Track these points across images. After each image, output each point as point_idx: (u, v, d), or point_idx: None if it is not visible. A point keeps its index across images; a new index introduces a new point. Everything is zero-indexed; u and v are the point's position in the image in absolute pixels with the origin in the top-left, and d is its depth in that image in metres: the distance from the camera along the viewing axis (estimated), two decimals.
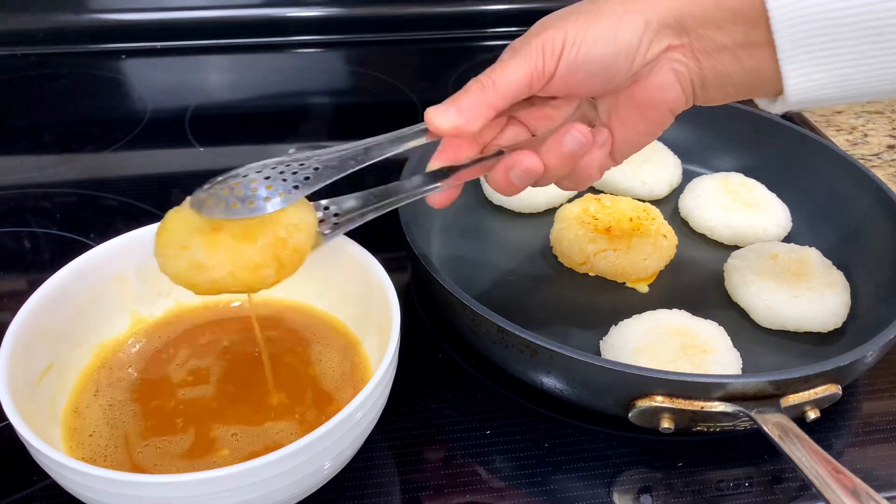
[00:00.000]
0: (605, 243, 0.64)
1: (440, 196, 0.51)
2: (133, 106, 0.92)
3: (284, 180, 0.43)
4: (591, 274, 0.65)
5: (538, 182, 0.50)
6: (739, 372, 0.55)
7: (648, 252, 0.64)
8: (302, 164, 0.44)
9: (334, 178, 0.44)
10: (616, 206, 0.68)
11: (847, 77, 0.43)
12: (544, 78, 0.45)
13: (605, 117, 0.50)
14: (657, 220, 0.67)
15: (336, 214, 0.48)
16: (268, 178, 0.43)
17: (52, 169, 0.80)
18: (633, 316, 0.58)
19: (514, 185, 0.50)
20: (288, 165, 0.44)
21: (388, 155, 0.46)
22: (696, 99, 0.48)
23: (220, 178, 0.43)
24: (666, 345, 0.55)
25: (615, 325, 0.58)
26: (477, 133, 0.46)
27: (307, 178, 0.43)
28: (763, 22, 0.42)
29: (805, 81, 0.43)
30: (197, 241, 0.42)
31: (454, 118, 0.44)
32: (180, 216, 0.44)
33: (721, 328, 0.57)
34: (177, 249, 0.43)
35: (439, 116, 0.44)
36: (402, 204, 0.50)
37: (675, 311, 0.58)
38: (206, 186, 0.43)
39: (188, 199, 0.44)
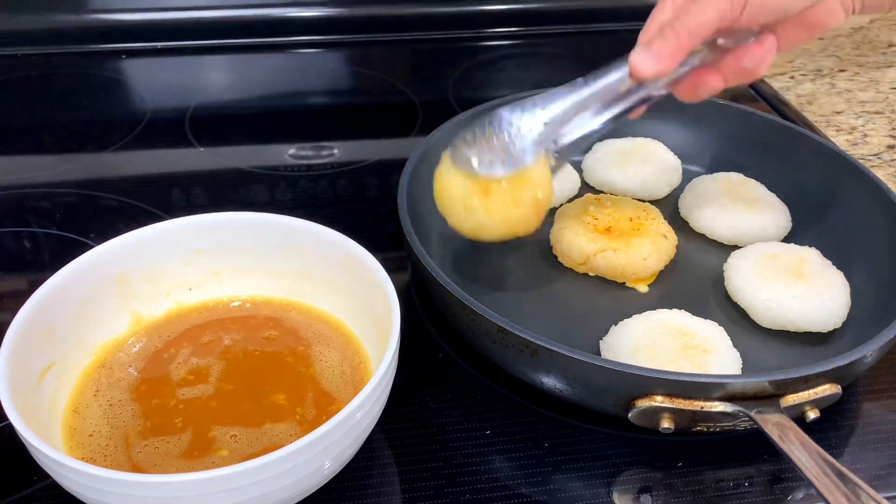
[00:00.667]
0: (605, 243, 0.64)
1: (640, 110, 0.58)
2: (133, 106, 0.92)
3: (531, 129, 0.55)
4: (591, 274, 0.65)
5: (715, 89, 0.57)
6: (739, 372, 0.55)
7: (648, 252, 0.64)
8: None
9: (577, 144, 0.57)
10: (616, 206, 0.68)
11: None
12: (730, 22, 0.51)
13: (770, 28, 0.55)
14: (657, 220, 0.67)
15: (556, 153, 0.57)
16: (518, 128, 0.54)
17: (52, 169, 0.80)
18: (633, 316, 0.58)
19: (699, 97, 0.57)
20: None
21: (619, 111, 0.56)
22: (855, 13, 0.56)
23: (475, 132, 0.55)
24: (666, 345, 0.55)
25: (615, 325, 0.58)
26: None
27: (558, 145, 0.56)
28: None
29: None
30: (475, 203, 0.55)
31: (655, 66, 0.52)
32: (450, 176, 0.56)
33: (721, 328, 0.57)
34: (461, 212, 0.56)
35: (642, 66, 0.52)
36: (611, 125, 0.56)
37: (675, 311, 0.58)
38: (466, 138, 0.55)
39: (449, 154, 0.56)
